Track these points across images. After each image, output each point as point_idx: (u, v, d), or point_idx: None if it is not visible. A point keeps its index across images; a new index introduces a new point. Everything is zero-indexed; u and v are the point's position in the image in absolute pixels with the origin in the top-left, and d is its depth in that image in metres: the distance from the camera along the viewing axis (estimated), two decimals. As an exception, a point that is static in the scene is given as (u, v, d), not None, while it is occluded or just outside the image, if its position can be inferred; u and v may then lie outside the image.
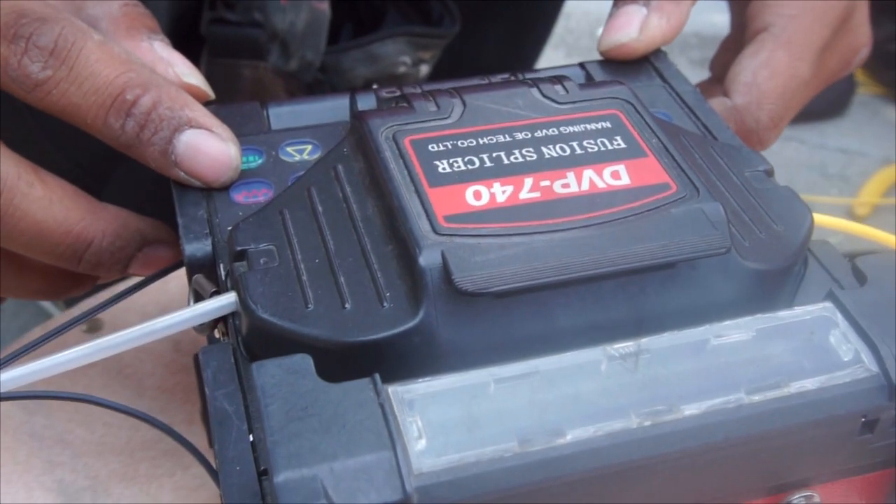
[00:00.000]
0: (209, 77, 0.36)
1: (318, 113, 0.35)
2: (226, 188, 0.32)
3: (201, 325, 0.29)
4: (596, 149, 0.30)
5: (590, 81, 0.37)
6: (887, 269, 0.28)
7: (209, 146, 0.32)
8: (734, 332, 0.26)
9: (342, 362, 0.26)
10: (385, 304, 0.27)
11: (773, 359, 0.26)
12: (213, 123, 0.32)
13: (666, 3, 0.37)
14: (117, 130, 0.31)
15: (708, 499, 0.26)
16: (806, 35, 0.39)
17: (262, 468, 0.25)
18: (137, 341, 0.28)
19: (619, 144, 0.30)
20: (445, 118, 0.31)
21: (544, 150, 0.30)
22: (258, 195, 0.32)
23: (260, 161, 0.33)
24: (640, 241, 0.27)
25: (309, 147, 0.34)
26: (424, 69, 0.66)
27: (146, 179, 0.34)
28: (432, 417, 0.24)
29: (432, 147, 0.29)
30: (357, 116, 0.31)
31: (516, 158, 0.29)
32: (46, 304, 0.80)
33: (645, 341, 0.26)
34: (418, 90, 0.33)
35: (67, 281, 0.36)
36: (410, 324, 0.26)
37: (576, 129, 0.31)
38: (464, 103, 0.31)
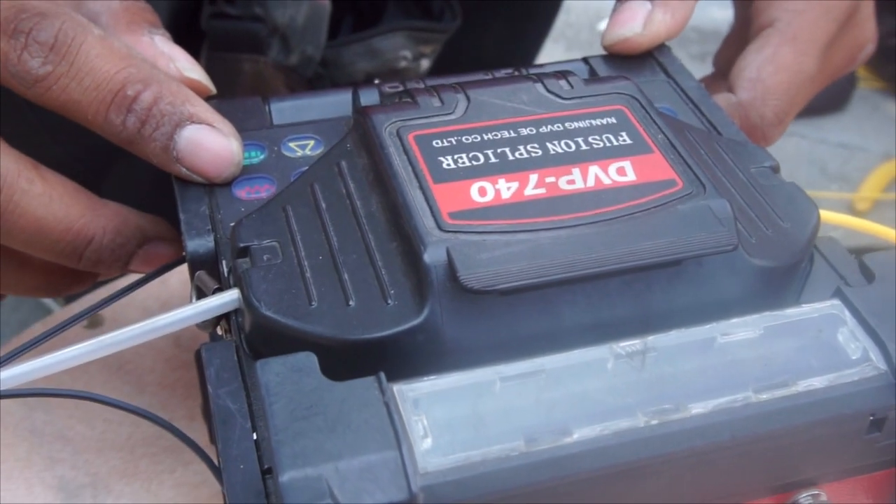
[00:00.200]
0: (209, 71, 0.35)
1: (320, 108, 0.35)
2: (228, 184, 0.32)
3: (204, 321, 0.29)
4: (601, 145, 0.30)
5: (594, 77, 0.37)
6: (895, 267, 0.28)
7: (211, 142, 0.31)
8: (741, 330, 0.26)
9: (346, 360, 0.26)
10: (389, 301, 0.26)
11: (780, 357, 0.26)
12: (215, 119, 0.32)
13: (670, -2, 0.37)
14: (118, 126, 0.31)
15: (714, 498, 0.26)
16: (812, 31, 0.38)
17: (266, 466, 0.24)
18: (140, 338, 0.28)
19: (624, 140, 0.30)
20: (450, 114, 0.30)
21: (549, 146, 0.29)
22: (260, 191, 0.32)
23: (262, 156, 0.33)
24: (646, 238, 0.26)
25: (311, 142, 0.33)
26: (425, 63, 0.66)
27: (146, 174, 0.34)
28: (438, 416, 0.24)
29: (436, 143, 0.29)
30: (360, 112, 0.31)
31: (521, 154, 0.29)
32: (46, 300, 0.80)
33: (652, 339, 0.26)
34: (422, 85, 0.33)
35: (67, 278, 0.36)
36: (415, 321, 0.26)
37: (581, 124, 0.30)
38: (468, 99, 0.31)
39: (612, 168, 0.29)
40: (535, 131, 0.30)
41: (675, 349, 0.26)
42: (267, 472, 0.24)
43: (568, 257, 0.26)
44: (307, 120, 0.34)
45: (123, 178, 0.52)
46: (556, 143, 0.30)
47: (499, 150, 0.29)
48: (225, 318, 0.29)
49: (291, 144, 0.33)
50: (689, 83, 0.37)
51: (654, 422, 0.24)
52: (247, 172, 0.32)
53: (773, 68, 0.37)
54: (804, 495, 0.27)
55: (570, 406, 0.24)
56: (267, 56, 0.58)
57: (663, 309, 0.27)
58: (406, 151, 0.29)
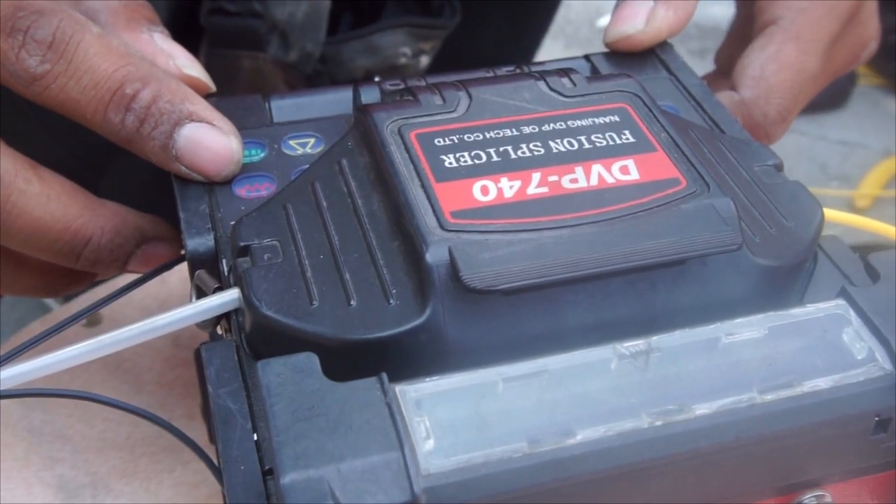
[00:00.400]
0: (208, 68, 0.35)
1: (320, 106, 0.35)
2: (228, 182, 0.32)
3: (204, 321, 0.29)
4: (604, 143, 0.29)
5: (596, 74, 0.37)
6: (900, 266, 0.28)
7: (210, 140, 0.31)
8: (746, 330, 0.26)
9: (347, 360, 0.25)
10: (391, 301, 0.26)
11: (785, 357, 0.26)
12: (214, 117, 0.32)
13: (673, -5, 0.37)
14: (117, 125, 0.31)
15: (718, 498, 0.26)
16: (815, 29, 0.38)
17: (267, 467, 0.24)
18: (139, 338, 0.28)
19: (627, 139, 0.30)
20: (451, 112, 0.30)
21: (552, 144, 0.29)
22: (261, 189, 0.32)
23: (262, 154, 0.33)
24: (650, 237, 0.26)
25: (312, 140, 0.33)
26: (424, 60, 0.66)
27: (145, 171, 0.33)
28: (440, 417, 0.23)
29: (438, 141, 0.29)
30: (361, 110, 0.31)
31: (524, 153, 0.29)
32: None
33: (655, 339, 0.25)
34: (423, 83, 0.33)
35: (65, 278, 0.35)
36: (417, 321, 0.26)
37: (584, 122, 0.30)
38: (470, 96, 0.31)
39: (616, 167, 0.29)
40: (537, 129, 0.30)
41: (679, 349, 0.25)
42: (268, 473, 0.24)
43: (571, 257, 0.26)
44: (307, 118, 0.34)
45: (122, 175, 0.52)
46: (558, 141, 0.29)
47: (501, 149, 0.29)
48: (225, 317, 0.29)
49: (292, 142, 0.33)
50: (692, 80, 0.37)
51: (659, 423, 0.24)
52: (247, 171, 0.32)
53: (776, 66, 0.37)
54: (808, 496, 0.27)
55: (573, 407, 0.24)
56: (266, 53, 0.58)
57: (667, 309, 0.27)
58: (408, 150, 0.29)
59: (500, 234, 0.26)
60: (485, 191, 0.28)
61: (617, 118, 0.30)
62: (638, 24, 0.37)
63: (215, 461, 0.28)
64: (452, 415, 0.24)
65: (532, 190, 0.28)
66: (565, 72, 0.32)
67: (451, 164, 0.28)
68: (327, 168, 0.30)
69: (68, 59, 0.30)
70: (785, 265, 0.28)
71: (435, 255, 0.26)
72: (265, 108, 0.35)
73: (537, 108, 0.31)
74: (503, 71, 0.35)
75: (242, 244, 0.28)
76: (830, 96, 1.53)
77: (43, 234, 0.31)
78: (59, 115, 0.31)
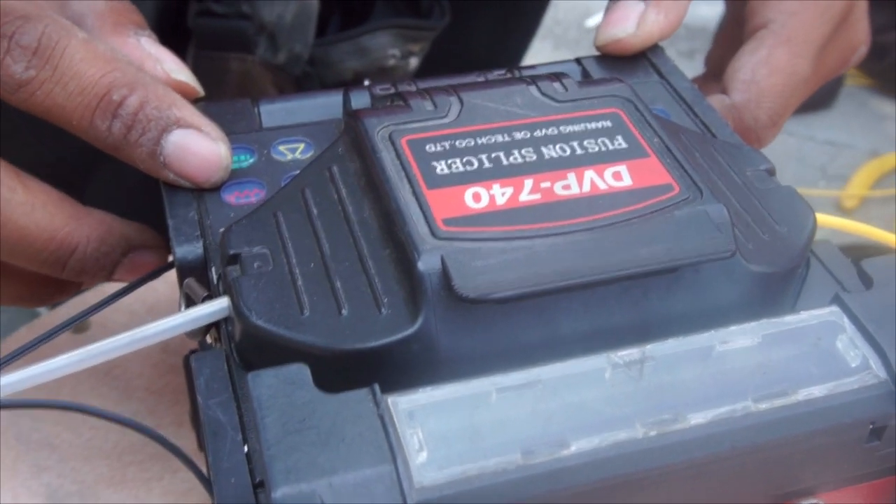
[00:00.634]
0: (196, 70, 0.35)
1: (310, 110, 0.35)
2: (217, 189, 0.31)
3: (193, 330, 0.28)
4: (597, 149, 0.29)
5: (587, 78, 0.37)
6: (894, 272, 0.28)
7: (198, 146, 0.31)
8: (740, 338, 0.26)
9: (339, 370, 0.25)
10: (383, 310, 0.26)
11: (779, 365, 0.25)
12: (202, 122, 0.31)
13: (664, -2, 0.37)
14: (104, 132, 0.30)
15: (712, 508, 0.26)
16: (806, 32, 0.38)
17: (258, 480, 0.24)
18: (128, 347, 0.28)
19: (620, 144, 0.29)
20: (443, 117, 0.30)
21: (544, 150, 0.29)
22: (250, 195, 0.31)
23: (251, 160, 0.32)
24: (643, 244, 0.26)
25: (302, 146, 0.33)
26: (413, 62, 0.65)
27: (132, 174, 0.33)
28: (433, 428, 0.23)
29: (430, 147, 0.29)
30: (352, 115, 0.30)
31: (516, 159, 0.29)
32: (30, 300, 0.78)
33: (649, 348, 0.25)
34: (413, 88, 0.33)
35: (51, 287, 0.35)
36: (409, 331, 0.25)
37: (576, 128, 0.30)
38: (461, 102, 0.30)
39: (608, 173, 0.28)
40: (529, 135, 0.29)
41: (674, 358, 0.25)
42: (259, 486, 0.24)
43: (564, 265, 0.26)
44: (297, 122, 0.34)
45: (109, 178, 0.52)
46: (550, 147, 0.29)
47: (493, 155, 0.29)
48: (215, 326, 0.29)
49: (281, 148, 0.33)
50: (683, 84, 0.37)
51: (653, 433, 0.24)
52: (236, 177, 0.32)
53: (767, 70, 0.37)
54: (803, 504, 0.27)
55: (567, 417, 0.24)
56: (254, 54, 0.58)
57: (661, 316, 0.27)
58: (399, 156, 0.28)
59: (493, 241, 0.26)
60: (477, 198, 0.27)
61: (609, 123, 0.30)
62: (629, 28, 0.37)
63: (204, 469, 0.28)
64: (445, 426, 0.23)
65: (524, 197, 0.28)
66: (557, 76, 0.32)
67: (442, 170, 0.28)
68: (318, 174, 0.30)
69: (54, 65, 0.30)
70: (778, 271, 0.28)
71: (427, 264, 0.25)
72: (254, 113, 0.34)
73: (529, 113, 0.30)
74: (494, 75, 0.34)
75: (232, 252, 0.28)
76: (817, 97, 1.53)
77: (28, 243, 0.31)
78: (45, 121, 0.31)
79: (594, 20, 1.76)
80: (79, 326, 0.44)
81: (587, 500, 0.23)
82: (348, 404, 0.23)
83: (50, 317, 0.47)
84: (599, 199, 0.28)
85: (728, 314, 0.27)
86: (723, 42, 0.45)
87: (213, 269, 0.29)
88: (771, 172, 0.32)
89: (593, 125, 0.30)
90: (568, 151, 0.29)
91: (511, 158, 0.29)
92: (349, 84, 0.34)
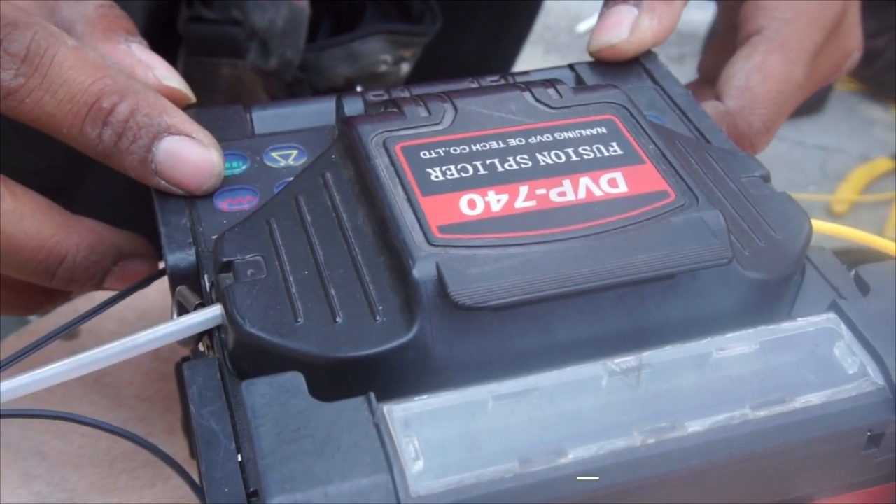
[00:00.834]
0: (187, 76, 0.35)
1: (303, 117, 0.34)
2: (209, 196, 0.31)
3: (186, 338, 0.28)
4: (592, 155, 0.29)
5: (581, 84, 0.36)
6: (891, 279, 0.28)
7: (190, 153, 0.31)
8: (737, 345, 0.26)
9: (333, 378, 0.25)
10: (378, 318, 0.26)
11: (777, 372, 0.25)
12: (194, 129, 0.31)
13: (657, 4, 0.37)
14: (94, 140, 0.30)
15: (710, 515, 0.26)
16: (800, 39, 0.38)
17: (252, 489, 0.24)
18: (120, 356, 0.27)
19: (615, 151, 0.29)
20: (437, 124, 0.30)
21: (539, 156, 0.29)
22: (243, 202, 0.31)
23: (244, 167, 0.32)
24: (640, 251, 0.26)
25: (294, 152, 0.33)
26: (405, 68, 0.65)
27: (121, 182, 0.33)
28: (430, 437, 0.23)
29: (424, 154, 0.29)
30: (345, 122, 0.30)
31: (511, 166, 0.29)
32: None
33: (646, 355, 0.25)
34: (407, 94, 0.33)
35: (40, 296, 0.35)
36: (404, 338, 0.25)
37: (571, 134, 0.30)
38: (455, 108, 0.30)
39: (604, 179, 0.28)
40: (524, 142, 0.29)
41: (670, 365, 0.25)
42: (252, 495, 0.24)
43: (561, 272, 0.25)
44: (290, 129, 0.34)
45: (98, 187, 0.51)
46: (546, 153, 0.29)
47: (488, 162, 0.29)
48: (207, 334, 0.28)
49: (274, 154, 0.33)
50: (677, 90, 0.37)
51: (651, 441, 0.24)
52: (228, 183, 0.31)
53: (761, 77, 0.37)
54: (800, 512, 0.27)
55: (564, 425, 0.24)
56: (246, 60, 0.58)
57: (657, 323, 0.27)
58: (393, 163, 0.28)
59: (489, 248, 0.26)
60: (472, 204, 0.27)
61: (604, 130, 0.30)
62: (622, 34, 0.37)
63: (197, 478, 0.27)
64: (442, 435, 0.23)
65: (520, 203, 0.27)
66: (551, 83, 0.32)
67: (437, 177, 0.28)
68: (311, 181, 0.30)
69: (43, 73, 0.29)
70: (774, 278, 0.28)
71: (422, 271, 0.25)
72: (246, 120, 0.34)
73: (524, 119, 0.30)
74: (488, 82, 0.34)
75: (225, 259, 0.27)
76: (808, 102, 1.53)
77: (16, 252, 0.31)
78: (33, 128, 0.30)
79: (585, 25, 1.77)
80: (68, 334, 0.44)
81: (585, 509, 0.23)
82: (343, 413, 0.23)
83: (39, 325, 0.47)
84: (595, 206, 0.27)
85: (724, 321, 0.27)
86: (716, 48, 0.45)
87: (206, 277, 0.29)
88: (766, 178, 0.32)
89: (588, 132, 0.30)
90: (563, 158, 0.29)
91: (506, 165, 0.29)
92: (341, 90, 0.34)
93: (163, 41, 0.48)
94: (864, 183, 1.49)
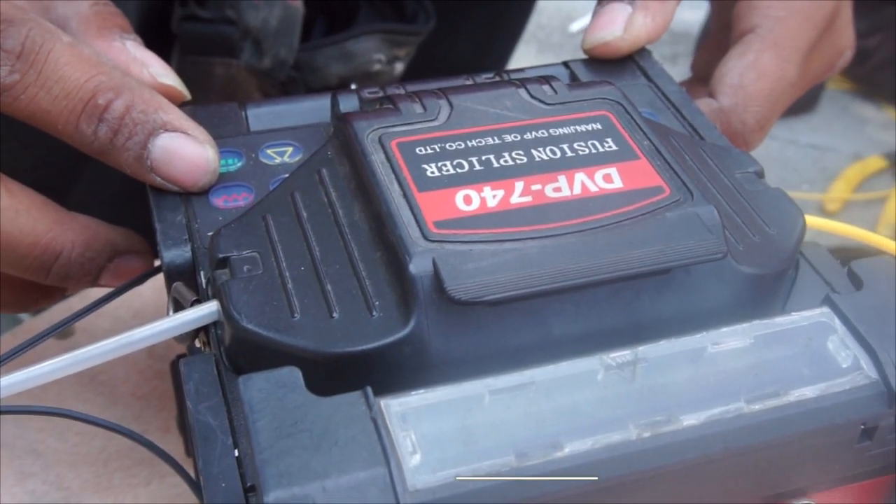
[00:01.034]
0: (181, 75, 0.35)
1: (298, 114, 0.34)
2: (205, 192, 0.31)
3: (182, 334, 0.28)
4: (587, 151, 0.29)
5: (576, 81, 0.37)
6: (884, 273, 0.28)
7: (185, 150, 0.31)
8: (731, 339, 0.26)
9: (330, 374, 0.25)
10: (374, 313, 0.26)
11: (771, 366, 0.25)
12: (189, 126, 0.31)
13: (651, 2, 0.37)
14: (90, 136, 0.30)
15: (704, 509, 0.26)
16: (793, 37, 0.38)
17: (249, 484, 0.24)
18: (116, 352, 0.27)
19: (610, 147, 0.29)
20: (432, 120, 0.30)
21: (534, 152, 0.29)
22: (238, 199, 0.31)
23: (239, 164, 0.32)
24: (635, 246, 0.26)
25: (290, 149, 0.33)
26: (399, 67, 0.65)
27: (115, 179, 0.33)
28: (426, 431, 0.23)
29: (420, 150, 0.29)
30: (341, 118, 0.30)
31: (506, 162, 0.29)
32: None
33: (642, 350, 0.25)
34: (402, 91, 0.33)
35: (35, 293, 0.35)
36: (401, 333, 0.25)
37: (566, 130, 0.30)
38: (450, 105, 0.30)
39: (599, 175, 0.28)
40: (519, 138, 0.29)
41: (666, 359, 0.25)
42: (250, 490, 0.24)
43: (556, 267, 0.25)
44: (285, 126, 0.34)
45: (92, 184, 0.51)
46: (541, 149, 0.29)
47: (483, 158, 0.29)
48: (203, 330, 0.28)
49: (269, 151, 0.33)
50: (671, 87, 0.37)
51: (647, 434, 0.24)
52: (224, 180, 0.31)
53: (754, 74, 0.37)
54: (794, 505, 0.27)
55: (560, 419, 0.24)
56: (239, 59, 0.58)
57: (652, 318, 0.27)
58: (389, 159, 0.28)
59: (484, 244, 0.26)
60: (468, 200, 0.27)
61: (599, 126, 0.30)
62: (616, 31, 0.37)
63: (193, 475, 0.27)
64: (439, 429, 0.23)
65: (515, 199, 0.27)
66: (546, 79, 0.32)
67: (433, 173, 0.28)
68: (307, 178, 0.30)
69: (38, 69, 0.29)
70: (769, 273, 0.28)
71: (418, 266, 0.25)
72: (242, 117, 0.34)
73: (519, 116, 0.30)
74: (483, 78, 0.34)
75: (221, 256, 0.27)
76: (800, 101, 1.54)
77: (12, 248, 0.31)
78: (26, 125, 0.30)
79: (578, 25, 1.77)
80: (62, 332, 0.44)
81: (581, 502, 0.23)
82: (341, 407, 0.23)
83: (32, 323, 0.47)
84: (590, 202, 0.28)
85: (719, 315, 0.27)
86: (709, 47, 0.45)
87: (202, 274, 0.29)
88: (759, 174, 0.32)
89: (583, 128, 0.30)
90: (558, 154, 0.29)
91: (501, 161, 0.29)
92: (335, 89, 0.34)
93: (157, 40, 0.48)
94: (857, 181, 1.50)
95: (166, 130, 0.30)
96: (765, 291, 0.28)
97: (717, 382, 0.25)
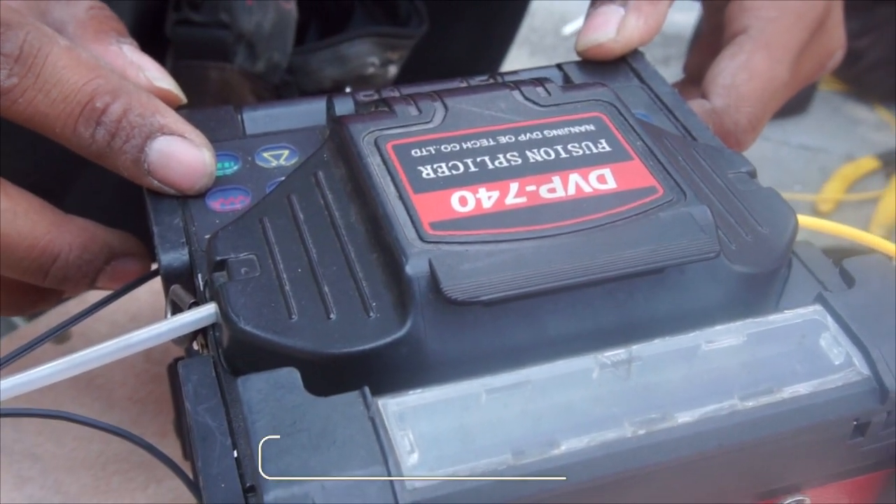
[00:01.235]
0: (175, 79, 0.35)
1: (294, 117, 0.35)
2: (201, 195, 0.31)
3: (180, 337, 0.28)
4: (581, 152, 0.29)
5: (569, 83, 0.37)
6: (875, 271, 0.28)
7: (182, 153, 0.31)
8: (725, 337, 0.26)
9: (328, 375, 0.25)
10: (371, 314, 0.26)
11: (764, 363, 0.26)
12: (186, 129, 0.31)
13: (643, 4, 0.37)
14: (87, 139, 0.30)
15: (699, 505, 0.26)
16: (785, 38, 0.38)
17: (249, 484, 0.24)
18: (114, 355, 0.27)
19: (603, 148, 0.30)
20: (428, 122, 0.30)
21: (529, 154, 0.29)
22: (235, 202, 0.31)
23: (236, 167, 0.32)
24: (629, 246, 0.26)
25: (286, 152, 0.33)
26: (393, 70, 0.65)
27: (112, 183, 0.33)
28: (424, 430, 0.23)
29: (415, 152, 0.29)
30: (337, 121, 0.30)
31: (501, 163, 0.29)
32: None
33: (636, 348, 0.25)
34: (397, 94, 0.33)
35: (33, 296, 0.35)
36: (398, 334, 0.25)
37: (560, 132, 0.30)
38: (445, 107, 0.31)
39: (593, 176, 0.29)
40: (514, 139, 0.30)
41: (660, 358, 0.26)
42: (249, 490, 0.24)
43: (551, 267, 0.26)
44: (281, 129, 0.34)
45: (89, 187, 0.52)
46: (535, 151, 0.29)
47: (478, 159, 0.29)
48: (201, 332, 0.29)
49: (265, 154, 0.33)
50: (663, 88, 0.37)
51: (642, 432, 0.24)
52: (220, 183, 0.32)
53: (746, 75, 0.38)
54: (788, 501, 0.27)
55: (556, 417, 0.24)
56: (233, 63, 0.58)
57: (646, 317, 0.27)
58: (385, 161, 0.28)
59: (480, 244, 0.26)
60: (463, 201, 0.28)
61: (592, 127, 0.30)
62: (609, 33, 0.37)
63: (191, 478, 0.28)
64: (436, 427, 0.23)
65: (510, 200, 0.28)
66: (540, 81, 0.32)
67: (428, 174, 0.28)
68: (303, 180, 0.30)
69: (36, 73, 0.29)
70: (761, 272, 0.28)
71: (415, 267, 0.26)
72: (238, 120, 0.34)
73: (513, 117, 0.31)
74: (477, 81, 0.35)
75: (219, 258, 0.28)
76: (792, 102, 1.54)
77: (9, 251, 0.31)
78: (24, 128, 0.31)
79: (571, 27, 1.78)
80: (60, 337, 0.44)
81: (577, 500, 0.24)
82: (339, 407, 0.23)
83: (29, 328, 0.47)
84: (584, 202, 0.28)
85: (712, 314, 0.27)
86: (701, 48, 0.45)
87: (200, 276, 0.29)
88: (752, 174, 0.32)
89: (577, 129, 0.30)
90: (552, 155, 0.29)
91: (496, 162, 0.29)
92: (329, 93, 0.34)
93: (151, 44, 0.48)
94: (849, 182, 1.50)
95: (163, 134, 0.31)
96: (758, 290, 0.29)
97: (710, 380, 0.25)
